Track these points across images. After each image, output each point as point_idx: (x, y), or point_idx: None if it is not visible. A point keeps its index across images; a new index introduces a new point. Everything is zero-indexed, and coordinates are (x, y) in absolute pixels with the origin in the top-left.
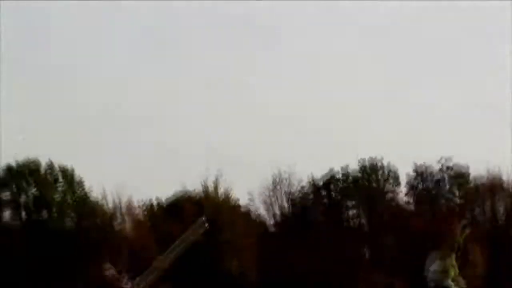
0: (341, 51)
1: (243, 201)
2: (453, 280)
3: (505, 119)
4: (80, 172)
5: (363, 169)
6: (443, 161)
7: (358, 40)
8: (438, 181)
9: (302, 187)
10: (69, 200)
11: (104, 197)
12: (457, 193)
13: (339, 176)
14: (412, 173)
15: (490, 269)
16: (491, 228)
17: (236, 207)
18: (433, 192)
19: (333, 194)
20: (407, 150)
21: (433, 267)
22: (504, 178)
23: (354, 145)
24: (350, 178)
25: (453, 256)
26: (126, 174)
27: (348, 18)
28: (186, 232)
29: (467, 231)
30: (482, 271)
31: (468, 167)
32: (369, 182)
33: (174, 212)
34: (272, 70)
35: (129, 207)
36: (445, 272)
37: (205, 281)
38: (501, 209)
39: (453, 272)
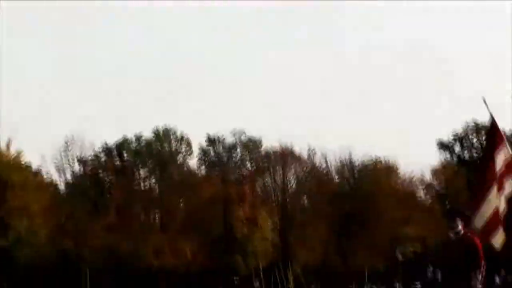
0: None
1: (35, 164)
2: None
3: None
4: None
5: (156, 134)
6: (236, 131)
7: None
8: (229, 148)
9: (95, 151)
10: None
11: None
12: (248, 161)
13: (132, 140)
14: (205, 142)
15: (280, 236)
16: (281, 196)
17: (27, 169)
18: (225, 159)
19: (125, 157)
20: (201, 121)
21: None
22: (296, 149)
23: (150, 115)
24: (143, 142)
25: None
26: None
27: None
28: None
29: None
30: (272, 237)
31: (260, 138)
32: (161, 147)
33: None
34: None
35: None
36: None
37: None
38: (291, 177)
39: None
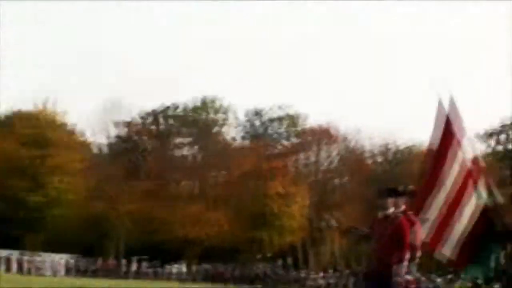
0: None
1: (75, 124)
2: None
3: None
4: None
5: (198, 103)
6: (278, 106)
7: None
8: (271, 122)
9: (135, 116)
10: None
11: None
12: (289, 136)
13: (173, 107)
14: (248, 113)
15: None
16: (318, 175)
17: (67, 128)
18: (265, 132)
19: (164, 123)
20: (245, 94)
21: None
22: (336, 128)
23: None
24: (184, 109)
25: None
26: None
27: None
28: None
29: None
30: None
31: (304, 115)
32: (202, 115)
33: (4, 128)
34: None
35: None
36: None
37: (28, 200)
38: (329, 156)
39: None
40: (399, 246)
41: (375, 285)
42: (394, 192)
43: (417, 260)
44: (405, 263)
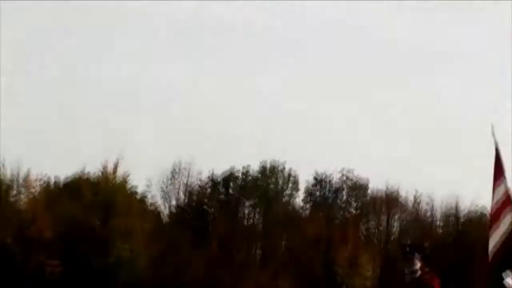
0: None
1: (140, 188)
2: None
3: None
4: None
5: (263, 169)
6: (344, 171)
7: None
8: (336, 190)
9: (201, 181)
10: None
11: (3, 167)
12: (353, 204)
13: (239, 174)
14: (312, 180)
15: (381, 282)
16: (384, 242)
17: (132, 194)
18: (330, 200)
19: (231, 190)
20: (309, 158)
21: None
22: (402, 194)
23: (257, 148)
24: (250, 177)
25: None
26: (27, 147)
27: None
28: None
29: None
30: (372, 283)
31: (367, 180)
32: (267, 183)
33: (71, 192)
34: None
35: (27, 181)
36: None
37: (95, 264)
38: (395, 223)
39: None
40: None
41: None
42: (421, 248)
43: None
44: None
